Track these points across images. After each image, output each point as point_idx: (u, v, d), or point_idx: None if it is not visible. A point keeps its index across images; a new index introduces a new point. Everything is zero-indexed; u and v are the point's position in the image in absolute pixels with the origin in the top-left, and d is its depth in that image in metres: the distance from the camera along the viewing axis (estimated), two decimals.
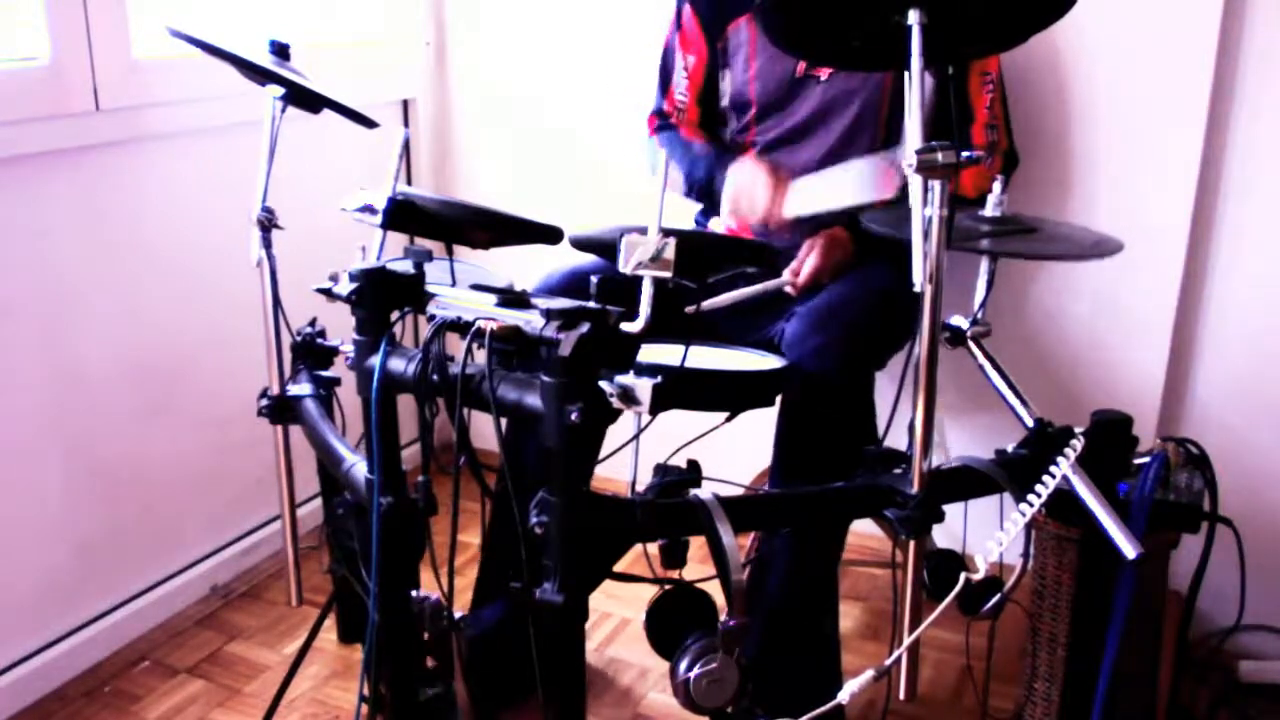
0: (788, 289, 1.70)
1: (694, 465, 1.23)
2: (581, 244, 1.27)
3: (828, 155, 1.75)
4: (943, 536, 1.79)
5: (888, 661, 1.15)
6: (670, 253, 1.04)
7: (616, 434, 1.30)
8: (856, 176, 1.65)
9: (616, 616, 2.03)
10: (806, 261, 1.69)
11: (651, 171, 1.93)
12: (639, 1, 2.22)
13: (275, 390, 1.58)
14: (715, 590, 1.17)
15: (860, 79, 1.74)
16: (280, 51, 1.55)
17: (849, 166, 1.67)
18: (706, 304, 1.61)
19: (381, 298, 1.22)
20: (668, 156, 1.09)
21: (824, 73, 1.76)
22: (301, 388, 1.57)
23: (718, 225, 1.89)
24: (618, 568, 1.15)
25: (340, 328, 1.49)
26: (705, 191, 1.80)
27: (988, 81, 1.76)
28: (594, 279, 1.09)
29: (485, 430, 1.16)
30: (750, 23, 1.80)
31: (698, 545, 1.16)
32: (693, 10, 1.86)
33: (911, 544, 1.18)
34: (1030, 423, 1.32)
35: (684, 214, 1.97)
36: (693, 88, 1.89)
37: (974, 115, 1.75)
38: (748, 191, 1.69)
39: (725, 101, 1.86)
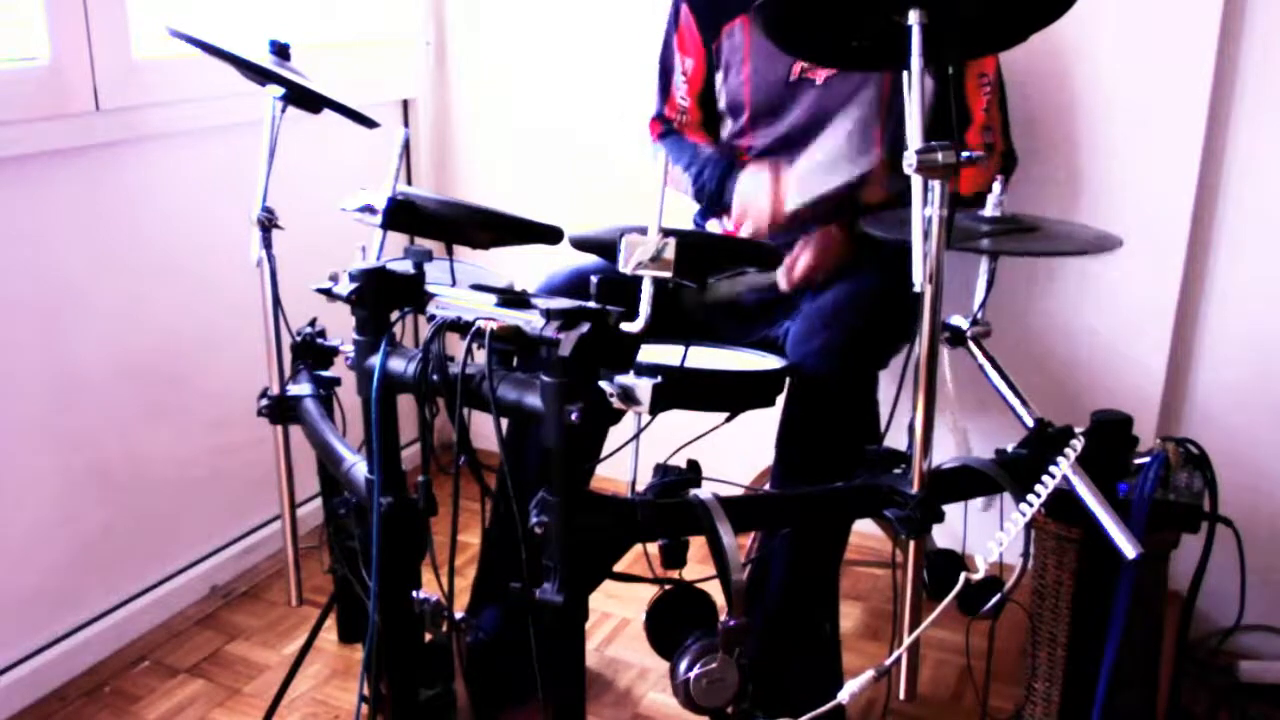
0: (781, 284, 1.69)
1: (694, 465, 1.23)
2: (581, 244, 1.27)
3: (825, 160, 1.75)
4: (943, 536, 1.79)
5: (888, 661, 1.15)
6: (670, 253, 1.04)
7: (616, 434, 1.30)
8: (840, 159, 1.68)
9: (616, 616, 2.03)
10: (800, 260, 1.68)
11: (665, 180, 1.91)
12: (639, 1, 2.22)
13: (275, 390, 1.57)
14: (715, 590, 1.17)
15: (857, 81, 1.73)
16: (280, 51, 1.55)
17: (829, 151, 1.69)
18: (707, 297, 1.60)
19: (381, 298, 1.22)
20: (668, 156, 1.08)
21: (820, 75, 1.75)
22: (301, 388, 1.57)
23: (715, 226, 1.88)
24: (618, 568, 1.15)
25: (340, 328, 1.49)
26: (715, 198, 1.77)
27: (985, 84, 1.74)
28: (594, 279, 1.09)
29: (485, 430, 1.16)
30: (745, 25, 1.78)
31: (698, 545, 1.16)
32: (690, 10, 1.84)
33: (911, 544, 1.18)
34: (1030, 423, 1.32)
35: (684, 214, 1.96)
36: (693, 91, 1.87)
37: (971, 118, 1.75)
38: (753, 201, 1.67)
39: (721, 104, 1.85)
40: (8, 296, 1.69)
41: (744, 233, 1.70)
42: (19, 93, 1.64)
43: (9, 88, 1.63)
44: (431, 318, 1.21)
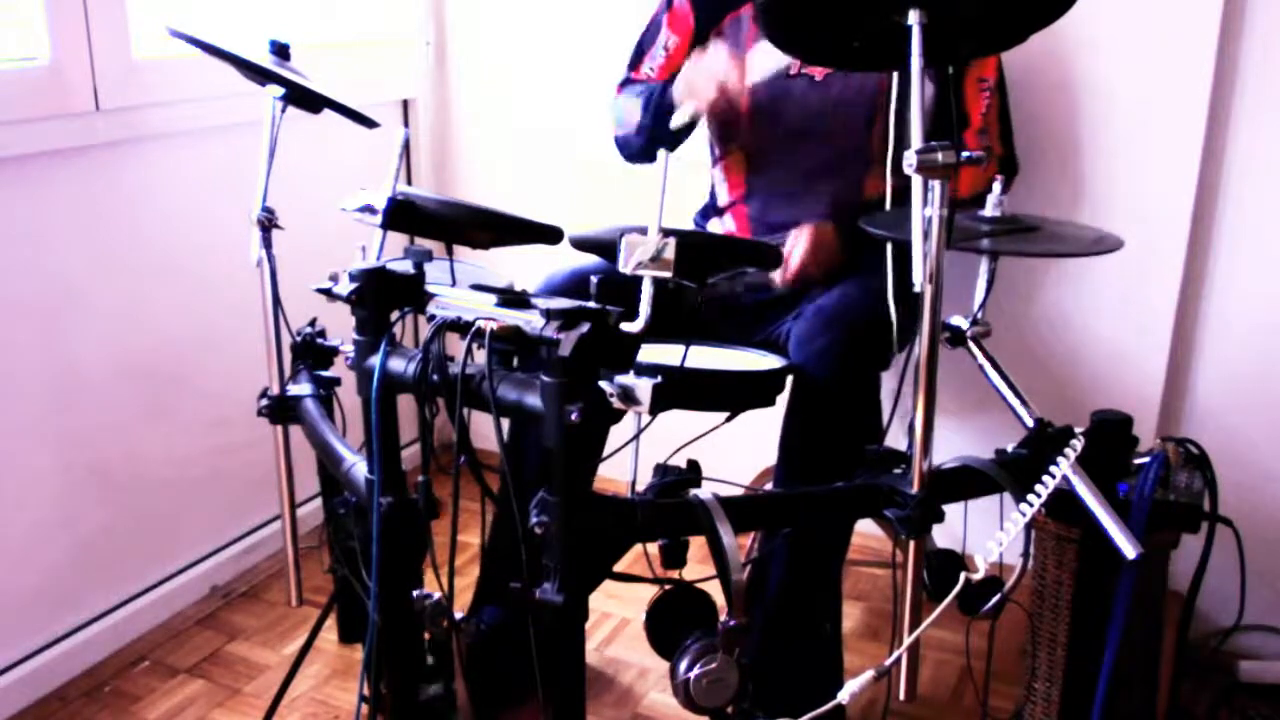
0: (775, 279, 1.68)
1: (694, 465, 1.23)
2: (581, 244, 1.27)
3: (822, 158, 1.75)
4: (943, 536, 1.79)
5: (888, 661, 1.15)
6: (670, 253, 1.04)
7: (617, 434, 1.30)
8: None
9: (616, 616, 2.03)
10: (794, 254, 1.67)
11: (615, 127, 1.89)
12: (639, 1, 2.22)
13: (275, 390, 1.58)
14: (715, 590, 1.17)
15: (857, 81, 1.73)
16: (280, 51, 1.55)
17: None
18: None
19: (381, 298, 1.22)
20: (666, 155, 1.08)
21: (818, 73, 1.75)
22: (301, 388, 1.57)
23: (716, 227, 1.88)
24: (618, 568, 1.15)
25: (340, 328, 1.49)
26: (659, 106, 1.73)
27: (984, 88, 1.74)
28: (594, 279, 1.09)
29: (485, 430, 1.16)
30: (751, 16, 1.78)
31: (698, 545, 1.16)
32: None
33: (911, 544, 1.18)
34: (1030, 423, 1.32)
35: (684, 214, 1.97)
36: (669, 67, 1.84)
37: (968, 121, 1.74)
38: (704, 66, 1.65)
39: None
40: (8, 296, 1.69)
41: (688, 107, 1.67)
42: (19, 93, 1.64)
43: (9, 88, 1.63)
44: (431, 318, 1.21)
